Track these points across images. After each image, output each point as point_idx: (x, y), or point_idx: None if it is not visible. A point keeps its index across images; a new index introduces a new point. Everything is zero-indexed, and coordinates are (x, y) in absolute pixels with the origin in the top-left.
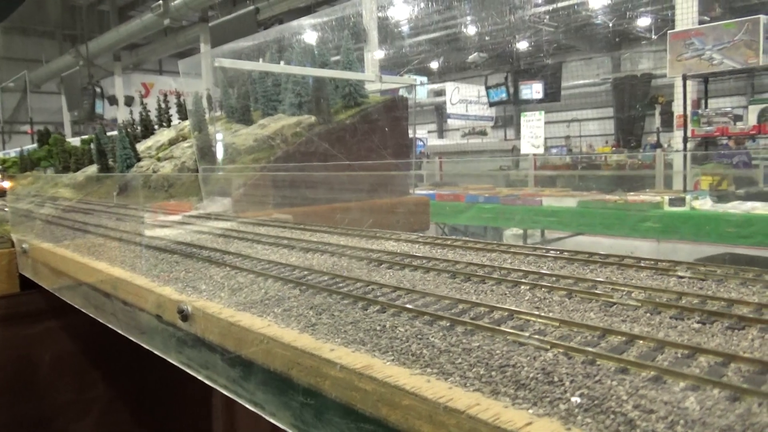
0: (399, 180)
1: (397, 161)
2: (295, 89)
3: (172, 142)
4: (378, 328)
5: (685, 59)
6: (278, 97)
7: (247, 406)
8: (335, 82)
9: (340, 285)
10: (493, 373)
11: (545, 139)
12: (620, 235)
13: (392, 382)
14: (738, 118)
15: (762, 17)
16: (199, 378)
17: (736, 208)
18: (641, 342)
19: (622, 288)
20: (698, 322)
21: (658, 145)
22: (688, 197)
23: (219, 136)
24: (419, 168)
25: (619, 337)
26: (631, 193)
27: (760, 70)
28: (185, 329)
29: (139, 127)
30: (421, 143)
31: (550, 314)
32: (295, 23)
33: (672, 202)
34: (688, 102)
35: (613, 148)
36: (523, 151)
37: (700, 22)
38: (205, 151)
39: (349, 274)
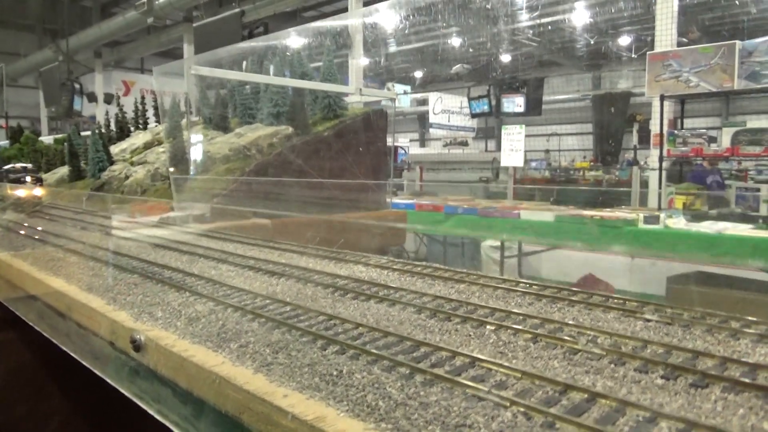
0: (376, 193)
1: (375, 176)
2: (273, 99)
3: (148, 146)
4: (335, 373)
5: (663, 80)
6: (256, 105)
7: None
8: (315, 93)
9: (302, 318)
10: None
11: (525, 152)
12: (595, 250)
13: None
14: (712, 139)
15: (737, 43)
16: (150, 412)
17: (709, 227)
18: (603, 401)
19: (588, 332)
20: (662, 377)
21: (634, 162)
22: (662, 215)
23: (194, 143)
24: (399, 176)
25: (581, 393)
26: (607, 210)
27: (735, 94)
28: (138, 359)
29: (114, 129)
30: (403, 152)
31: (514, 361)
32: (278, 34)
33: (647, 220)
34: (665, 121)
35: (591, 164)
36: (503, 163)
37: (679, 44)
38: (179, 158)
39: (313, 304)
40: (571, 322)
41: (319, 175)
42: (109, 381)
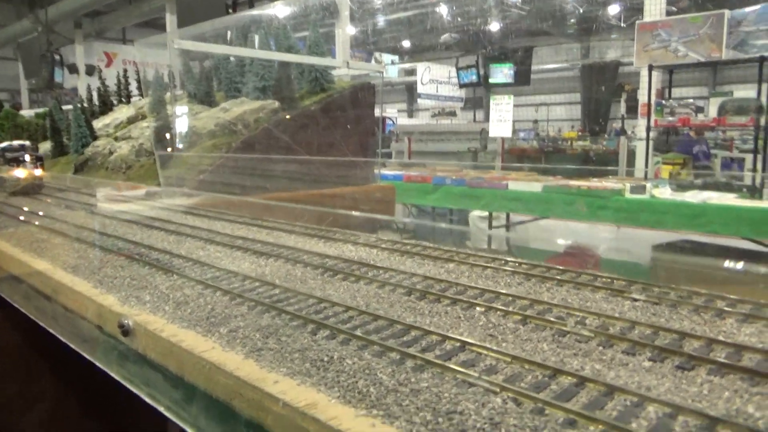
0: (364, 168)
1: (363, 150)
2: (259, 73)
3: (131, 121)
4: (326, 359)
5: (652, 50)
6: (242, 79)
7: (190, 431)
8: (301, 67)
9: (291, 301)
10: (440, 420)
11: (513, 122)
12: (582, 220)
13: (336, 425)
14: (699, 109)
15: (726, 12)
16: (141, 396)
17: (694, 197)
18: (591, 386)
19: (577, 313)
20: (649, 359)
21: (622, 131)
22: (648, 185)
23: (179, 119)
24: (387, 148)
25: (570, 378)
26: (594, 180)
27: (723, 63)
28: (127, 344)
29: (96, 103)
30: (391, 122)
31: (503, 345)
32: (263, 5)
33: (633, 190)
34: (653, 91)
35: (579, 134)
36: (491, 134)
37: (668, 12)
38: (164, 134)
39: (302, 286)
40: (559, 302)
41: (307, 150)
42: (98, 365)
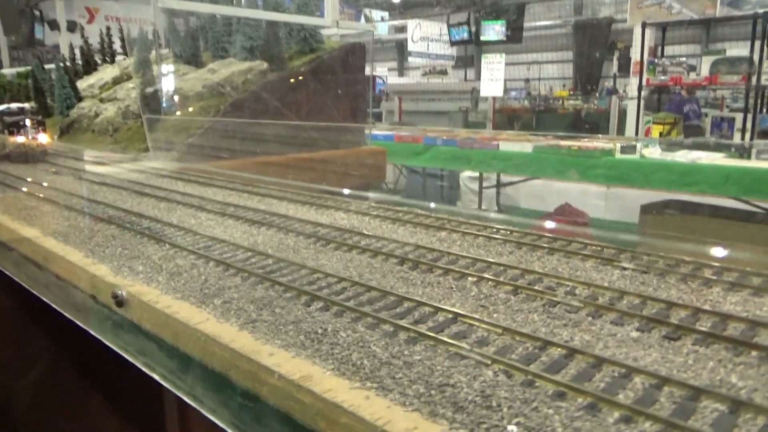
0: (355, 130)
1: (353, 111)
2: (246, 32)
3: (116, 81)
4: (320, 331)
5: (646, 6)
6: (229, 39)
7: (186, 399)
8: (290, 26)
9: (284, 272)
10: (433, 392)
11: (505, 81)
12: (573, 180)
13: (330, 398)
14: (692, 68)
15: None
16: (137, 365)
17: (683, 157)
18: (580, 357)
19: (567, 283)
20: (637, 329)
21: (614, 90)
22: (638, 145)
23: (165, 80)
24: (378, 107)
25: (559, 350)
26: (585, 140)
27: (716, 21)
28: (121, 314)
29: (79, 62)
30: (381, 81)
31: (495, 315)
32: None
33: (623, 150)
34: (646, 49)
35: (571, 92)
36: (482, 93)
37: None
38: (150, 96)
39: (295, 256)
40: (550, 272)
41: (296, 112)
42: (93, 333)
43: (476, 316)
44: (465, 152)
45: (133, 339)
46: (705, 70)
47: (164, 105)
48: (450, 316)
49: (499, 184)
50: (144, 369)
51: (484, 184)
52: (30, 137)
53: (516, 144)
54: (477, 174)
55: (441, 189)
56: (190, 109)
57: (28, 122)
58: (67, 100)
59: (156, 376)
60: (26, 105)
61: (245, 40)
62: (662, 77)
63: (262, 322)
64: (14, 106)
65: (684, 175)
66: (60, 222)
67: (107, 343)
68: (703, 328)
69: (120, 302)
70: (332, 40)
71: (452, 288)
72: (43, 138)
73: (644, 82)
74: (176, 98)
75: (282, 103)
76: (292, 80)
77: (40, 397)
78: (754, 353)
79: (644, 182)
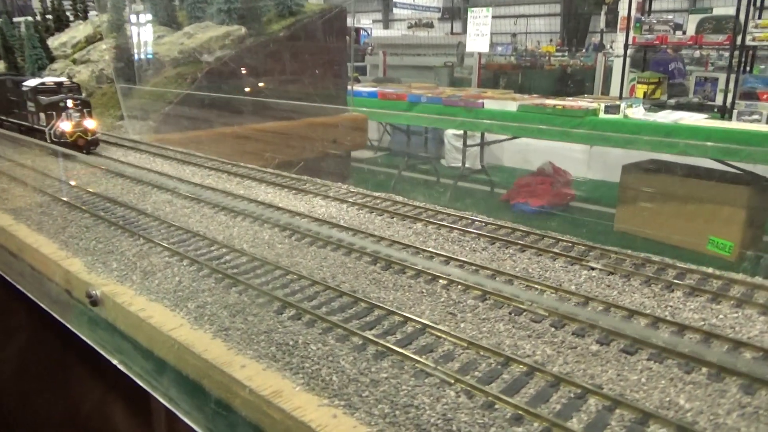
0: (336, 98)
1: (335, 78)
2: None
3: (90, 41)
4: (291, 342)
5: None
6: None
7: (162, 400)
8: None
9: (258, 272)
10: (397, 413)
11: (492, 34)
12: (556, 139)
13: (299, 416)
14: (678, 26)
15: None
16: (114, 362)
17: (665, 117)
18: (539, 375)
19: (535, 285)
20: (597, 342)
21: (601, 46)
22: (622, 105)
23: (139, 42)
24: (362, 60)
25: (521, 367)
26: (570, 99)
27: None
28: (96, 312)
29: (50, 17)
30: (365, 33)
31: (462, 325)
32: None
33: (607, 110)
34: (634, 4)
35: (558, 47)
36: (468, 49)
37: None
38: (124, 60)
39: (270, 252)
40: (520, 272)
41: (276, 80)
42: (69, 326)
43: (443, 328)
44: (449, 110)
45: (109, 336)
46: (691, 29)
47: (138, 70)
48: (419, 326)
49: (483, 143)
50: (121, 367)
51: (469, 141)
52: (74, 122)
53: (501, 102)
54: (461, 132)
55: (426, 146)
56: (166, 76)
57: (70, 103)
58: (38, 60)
59: (132, 375)
60: (65, 79)
61: (222, 2)
62: (648, 36)
63: (235, 330)
64: (50, 80)
65: (666, 136)
66: (33, 207)
67: (85, 339)
68: (659, 343)
69: (94, 302)
70: (312, 3)
71: (423, 293)
72: (90, 123)
73: (630, 41)
74: (151, 63)
75: (261, 71)
76: (270, 46)
77: (23, 368)
78: (704, 370)
79: (626, 143)
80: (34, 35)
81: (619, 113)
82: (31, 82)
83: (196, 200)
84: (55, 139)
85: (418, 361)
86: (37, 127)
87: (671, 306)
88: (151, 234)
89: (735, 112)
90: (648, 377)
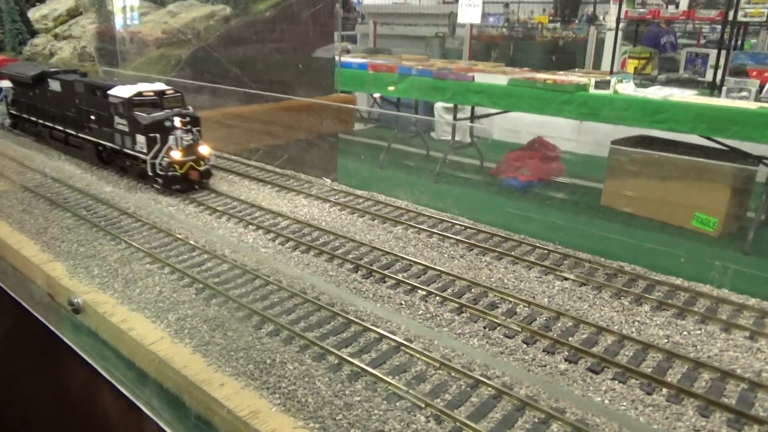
0: (323, 78)
1: (323, 59)
2: None
3: (71, 14)
4: (268, 361)
5: None
6: None
7: (144, 409)
8: None
9: (239, 281)
10: None
11: (484, 3)
12: (546, 114)
13: None
14: (671, 0)
15: None
16: (98, 369)
17: (655, 93)
18: (506, 399)
19: (509, 299)
20: (566, 359)
21: (593, 17)
22: (613, 80)
23: (122, 20)
24: (353, 30)
25: (490, 390)
26: (560, 73)
27: None
28: (79, 319)
29: None
30: (357, 1)
31: (436, 342)
32: None
33: (597, 85)
34: None
35: (551, 17)
36: (459, 20)
37: None
38: (107, 38)
39: (252, 257)
40: (495, 284)
41: (262, 63)
42: (51, 328)
43: (417, 348)
44: (440, 83)
45: (92, 342)
46: (684, 3)
47: (121, 49)
48: (393, 344)
49: (473, 116)
50: (104, 373)
51: (459, 115)
52: (184, 148)
53: (492, 76)
54: (451, 105)
55: (415, 120)
56: (150, 57)
57: (177, 121)
58: (19, 35)
59: (115, 382)
60: (166, 87)
61: None
62: (641, 10)
63: (214, 345)
64: (148, 87)
65: (655, 112)
66: (14, 204)
67: (69, 343)
68: (623, 362)
69: (77, 310)
70: None
71: (402, 304)
72: (204, 150)
73: (623, 15)
74: (135, 42)
75: (246, 53)
76: (256, 27)
77: (6, 354)
78: (664, 391)
79: (616, 118)
80: (14, 8)
81: (609, 89)
82: (121, 91)
83: (181, 198)
84: (160, 172)
85: (390, 384)
86: (130, 152)
87: (638, 321)
88: (133, 237)
89: (724, 89)
90: (611, 399)
